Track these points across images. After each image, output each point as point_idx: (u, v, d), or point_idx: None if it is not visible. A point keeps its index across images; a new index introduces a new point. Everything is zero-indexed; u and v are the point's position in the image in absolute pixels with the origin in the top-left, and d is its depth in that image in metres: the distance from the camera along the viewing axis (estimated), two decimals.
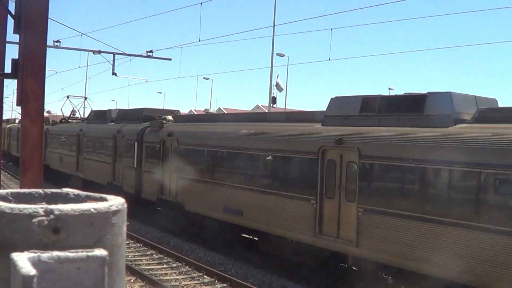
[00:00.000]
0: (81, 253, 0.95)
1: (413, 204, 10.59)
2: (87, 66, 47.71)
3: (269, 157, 14.41)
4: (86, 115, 34.36)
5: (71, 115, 36.18)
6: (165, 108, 28.65)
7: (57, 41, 23.52)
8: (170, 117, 21.63)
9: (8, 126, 44.49)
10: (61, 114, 37.12)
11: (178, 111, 24.51)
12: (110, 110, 26.87)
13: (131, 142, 21.38)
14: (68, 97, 35.99)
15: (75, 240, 0.98)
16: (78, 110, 35.43)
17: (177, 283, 13.59)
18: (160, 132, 19.52)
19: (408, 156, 10.74)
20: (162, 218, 19.46)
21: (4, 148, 42.54)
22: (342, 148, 12.15)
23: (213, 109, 57.14)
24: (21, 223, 0.97)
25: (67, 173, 28.86)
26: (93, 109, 30.50)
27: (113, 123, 24.92)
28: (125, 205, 1.09)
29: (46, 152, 32.58)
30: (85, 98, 36.67)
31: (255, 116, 17.68)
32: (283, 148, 13.91)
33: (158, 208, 20.12)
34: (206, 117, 22.54)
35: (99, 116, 27.73)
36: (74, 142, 28.06)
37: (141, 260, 15.83)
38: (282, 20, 78.34)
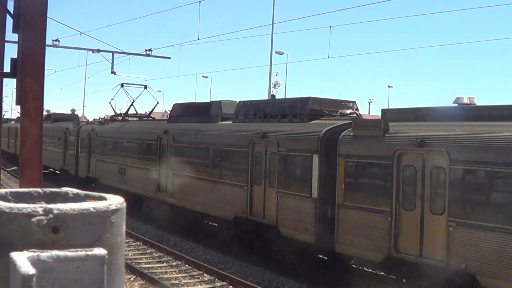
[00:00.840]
0: (81, 252, 0.95)
1: None
2: (86, 65, 47.62)
3: None
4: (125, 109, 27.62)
5: (72, 113, 33.92)
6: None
7: (56, 40, 23.50)
8: (351, 112, 14.49)
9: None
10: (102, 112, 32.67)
11: (354, 102, 15.58)
12: (219, 102, 18.17)
13: (304, 155, 13.10)
14: (122, 85, 26.99)
15: (74, 239, 0.99)
16: (132, 104, 27.03)
17: (177, 282, 13.60)
18: (389, 139, 11.27)
19: None
20: None
21: (17, 152, 40.20)
22: None
23: None
24: (20, 223, 0.97)
25: (136, 193, 20.13)
26: (177, 102, 21.10)
27: (230, 122, 16.87)
28: (124, 204, 1.09)
29: (90, 160, 25.13)
30: (145, 87, 27.20)
31: None
32: None
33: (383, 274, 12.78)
34: (470, 111, 11.23)
35: (193, 111, 19.08)
36: (151, 150, 19.55)
37: (141, 258, 15.84)
38: (281, 18, 78.45)
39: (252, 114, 16.02)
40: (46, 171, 31.20)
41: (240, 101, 17.12)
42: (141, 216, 19.80)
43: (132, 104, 26.98)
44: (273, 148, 13.98)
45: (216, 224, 17.84)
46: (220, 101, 18.15)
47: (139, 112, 28.39)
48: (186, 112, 19.48)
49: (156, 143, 19.20)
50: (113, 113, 28.00)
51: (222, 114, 17.56)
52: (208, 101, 18.96)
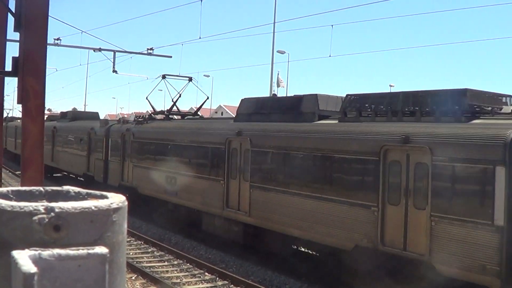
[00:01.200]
0: (82, 251, 0.95)
1: None
2: (87, 64, 47.78)
3: None
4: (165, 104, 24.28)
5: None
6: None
7: (58, 39, 23.56)
8: None
9: None
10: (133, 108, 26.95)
11: (510, 96, 12.09)
12: (314, 96, 14.22)
13: (480, 167, 9.69)
14: (164, 77, 22.66)
15: (75, 237, 0.99)
16: (175, 103, 23.03)
17: (178, 281, 13.62)
18: None
19: None
20: None
21: None
22: None
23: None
24: (21, 221, 0.97)
25: (192, 207, 17.21)
26: (245, 97, 17.03)
27: (334, 121, 13.20)
28: (126, 203, 1.09)
29: (124, 166, 21.52)
30: (190, 79, 23.18)
31: None
32: None
33: None
34: None
35: (275, 108, 15.26)
36: (217, 156, 16.05)
37: (142, 257, 15.86)
38: (282, 17, 78.58)
39: (371, 111, 12.38)
40: (58, 175, 29.95)
41: (348, 95, 13.26)
42: (142, 215, 19.82)
43: (176, 100, 22.88)
44: (423, 157, 10.46)
45: (316, 254, 14.48)
46: (315, 95, 14.18)
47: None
48: (262, 109, 15.64)
49: (224, 147, 15.70)
50: (138, 111, 24.62)
51: (319, 111, 13.92)
52: (293, 95, 15.37)
